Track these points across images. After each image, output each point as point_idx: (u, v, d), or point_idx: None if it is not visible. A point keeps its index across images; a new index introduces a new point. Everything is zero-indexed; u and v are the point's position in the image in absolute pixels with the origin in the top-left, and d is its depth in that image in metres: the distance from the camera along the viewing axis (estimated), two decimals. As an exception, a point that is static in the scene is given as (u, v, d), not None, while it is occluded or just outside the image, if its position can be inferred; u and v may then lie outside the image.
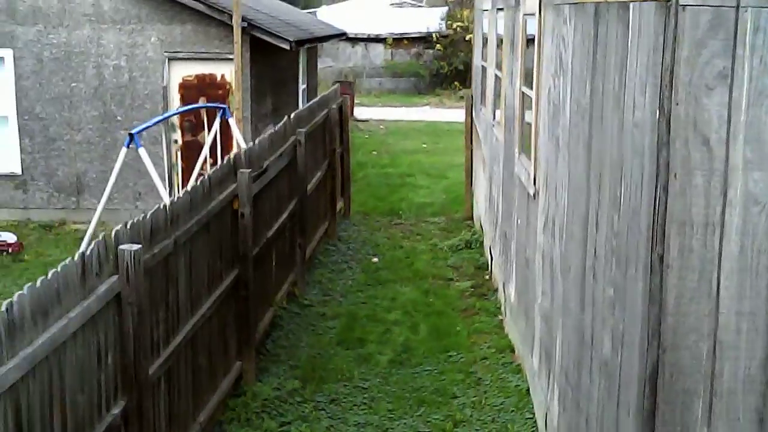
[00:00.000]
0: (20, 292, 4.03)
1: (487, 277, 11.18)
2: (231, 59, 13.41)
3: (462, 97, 32.04)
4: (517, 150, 8.26)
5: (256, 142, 8.49)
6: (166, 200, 10.02)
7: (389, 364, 8.49)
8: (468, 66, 33.94)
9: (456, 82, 33.44)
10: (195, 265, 6.53)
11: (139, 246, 5.03)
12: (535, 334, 7.05)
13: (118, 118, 13.95)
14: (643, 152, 3.65)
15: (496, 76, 10.69)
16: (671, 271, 3.48)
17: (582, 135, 5.08)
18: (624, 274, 4.02)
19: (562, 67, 5.84)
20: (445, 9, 35.86)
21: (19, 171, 14.17)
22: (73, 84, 13.88)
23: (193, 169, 12.42)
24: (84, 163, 14.07)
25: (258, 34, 13.53)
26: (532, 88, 7.26)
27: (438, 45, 33.93)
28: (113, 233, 5.06)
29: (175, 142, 14.01)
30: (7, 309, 3.87)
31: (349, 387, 7.95)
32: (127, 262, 4.92)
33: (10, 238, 12.50)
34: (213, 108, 11.87)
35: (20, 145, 14.08)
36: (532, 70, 7.47)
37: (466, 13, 34.14)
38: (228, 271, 7.44)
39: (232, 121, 11.76)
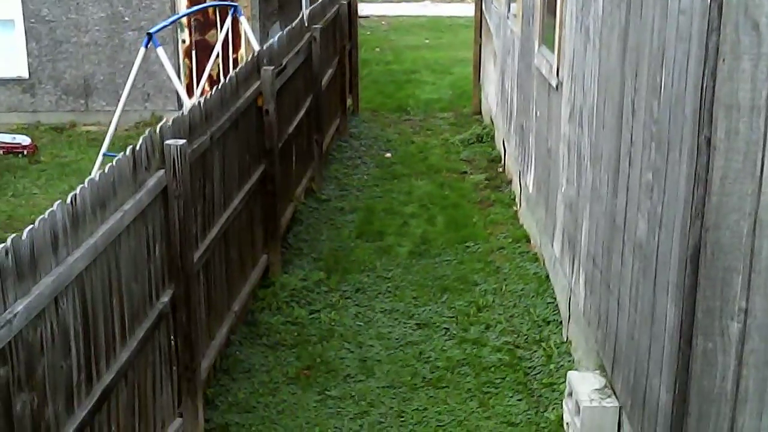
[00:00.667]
0: (81, 185, 4.16)
1: (501, 169, 11.33)
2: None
3: (462, -8, 31.70)
4: (537, 42, 8.30)
5: (276, 38, 8.51)
6: (186, 100, 10.14)
7: (409, 255, 8.70)
8: (467, -41, 33.42)
9: (455, -24, 32.92)
10: (227, 160, 6.66)
11: (184, 141, 5.15)
12: (557, 222, 7.23)
13: (126, 19, 13.85)
14: (689, 38, 3.75)
15: (509, -33, 10.61)
16: (717, 153, 3.62)
17: (618, 24, 5.14)
18: (665, 158, 4.16)
19: (592, -44, 5.86)
20: None
21: (26, 75, 14.13)
22: (79, -17, 13.74)
23: (202, 70, 12.42)
24: (92, 65, 14.03)
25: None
26: (555, -21, 7.26)
27: (437, -62, 33.26)
28: (158, 129, 5.16)
29: (183, 42, 13.94)
30: (71, 201, 4.01)
31: (372, 277, 8.18)
32: (173, 157, 5.04)
33: (24, 140, 12.56)
34: (224, 6, 11.79)
35: (27, 48, 14.01)
36: (554, -40, 7.45)
37: None
38: (255, 166, 7.58)
39: (243, 20, 11.70)
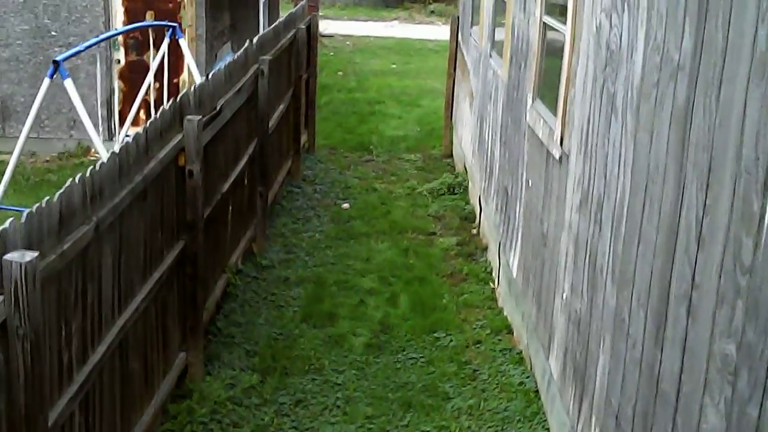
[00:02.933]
0: None
1: (475, 231, 9.76)
2: (183, -32, 11.62)
3: (433, 12, 30.30)
4: (530, 95, 6.74)
5: (210, 76, 6.85)
6: (98, 147, 8.43)
7: (366, 349, 7.07)
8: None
9: (426, -4, 31.54)
10: (126, 247, 4.99)
11: (34, 256, 3.47)
12: (555, 333, 5.65)
13: (52, 33, 12.11)
14: None
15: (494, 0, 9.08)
16: None
17: (671, 101, 3.57)
18: (764, 332, 2.59)
19: (627, 1, 4.31)
20: None
21: (-65, 90, 12.34)
22: (-2, -9, 11.98)
23: (136, 94, 10.72)
24: (11, 84, 12.26)
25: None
26: (564, 22, 5.71)
27: (408, -46, 31.82)
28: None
29: (118, 62, 12.23)
30: None
31: (318, 381, 6.54)
32: (16, 280, 3.37)
33: None
34: (161, 26, 10.11)
35: (-64, 60, 12.21)
36: (560, -2, 5.94)
37: None
38: (171, 244, 5.91)
39: (183, 42, 10.05)
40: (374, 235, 9.60)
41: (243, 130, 8.13)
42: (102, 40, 8.61)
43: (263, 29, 17.43)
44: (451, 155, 12.85)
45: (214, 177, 6.98)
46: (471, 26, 11.21)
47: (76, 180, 4.23)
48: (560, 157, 5.64)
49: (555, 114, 5.80)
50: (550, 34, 6.42)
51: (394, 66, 20.72)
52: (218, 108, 6.89)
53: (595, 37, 4.96)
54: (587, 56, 5.12)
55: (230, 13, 13.83)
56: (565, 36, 5.64)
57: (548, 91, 6.31)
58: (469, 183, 10.92)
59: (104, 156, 7.84)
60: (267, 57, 8.52)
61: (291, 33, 10.76)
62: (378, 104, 16.36)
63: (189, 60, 10.19)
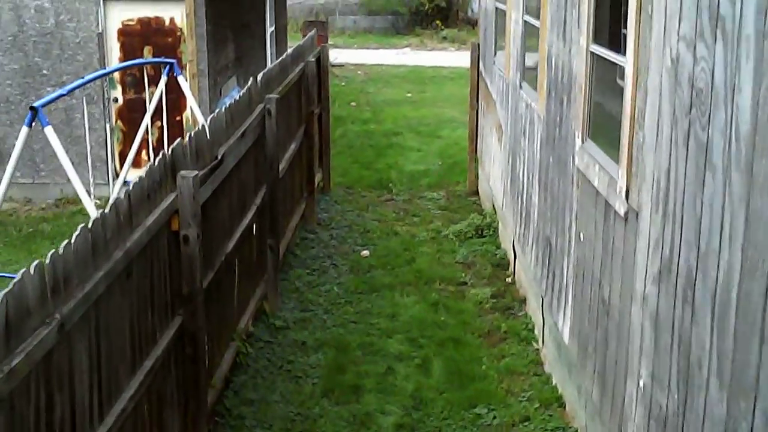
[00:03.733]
0: None
1: (510, 280, 8.82)
2: (181, 0, 10.79)
3: (445, 38, 29.48)
4: (578, 134, 5.82)
5: (209, 121, 5.96)
6: (85, 202, 7.53)
7: (397, 430, 6.12)
8: (450, 2, 31.27)
9: (438, 21, 30.71)
10: (106, 339, 4.08)
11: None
12: (628, 426, 4.69)
13: (44, 72, 11.30)
14: None
15: (526, 24, 8.17)
16: None
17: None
18: None
19: (722, 27, 3.39)
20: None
21: None
22: (-14, 29, 11.18)
23: (136, 134, 9.87)
24: (2, 126, 11.44)
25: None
26: (622, 52, 4.80)
27: (418, -21, 31.06)
28: None
29: (115, 100, 11.40)
30: None
31: (343, 477, 5.60)
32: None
33: None
34: (158, 64, 9.25)
35: None
36: (618, 20, 5.04)
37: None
38: (165, 323, 5.00)
39: (182, 80, 9.19)
40: (399, 286, 8.67)
41: (249, 178, 7.24)
42: (88, 82, 7.71)
43: (271, 62, 16.61)
44: (477, 192, 11.93)
45: (216, 237, 6.08)
46: (494, 54, 10.32)
47: (31, 270, 3.32)
48: (626, 214, 4.70)
49: (617, 161, 4.87)
50: (600, 65, 5.51)
51: (409, 95, 19.86)
52: (219, 157, 5.99)
53: (671, 72, 4.03)
54: (659, 94, 4.19)
55: (235, 45, 12.99)
56: (626, 69, 4.72)
57: (604, 131, 5.39)
58: (500, 224, 9.99)
59: (91, 211, 6.98)
60: (274, 95, 7.63)
61: (300, 66, 9.89)
62: (395, 136, 15.46)
63: (190, 99, 9.33)
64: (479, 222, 10.35)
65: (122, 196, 4.37)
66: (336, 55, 23.10)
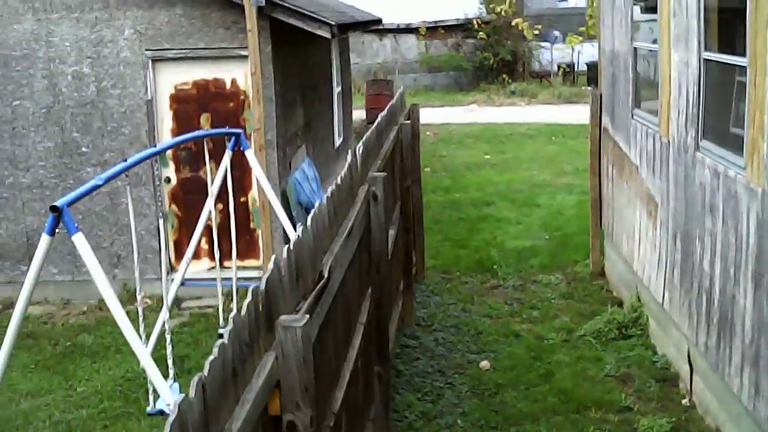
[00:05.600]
0: None
1: (686, 401, 6.68)
2: (245, 57, 8.98)
3: (513, 93, 27.58)
4: None
5: (309, 222, 3.97)
6: (114, 311, 5.53)
7: None
8: (515, 56, 29.46)
9: (504, 75, 28.86)
10: None
11: None
12: None
13: (83, 149, 9.50)
14: None
15: (707, 64, 6.14)
16: None
17: None
18: None
19: None
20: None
21: (-57, 229, 9.77)
22: (16, 102, 9.43)
23: (193, 219, 8.00)
24: (36, 216, 9.64)
25: (284, 17, 9.03)
26: None
27: (480, 33, 29.28)
28: None
29: (168, 180, 9.56)
30: None
31: None
32: None
33: None
34: (221, 135, 7.36)
35: (-58, 192, 9.67)
36: None
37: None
38: None
39: (249, 154, 7.31)
40: (542, 416, 6.57)
41: (354, 288, 5.24)
42: (131, 166, 5.75)
43: (339, 127, 14.79)
44: (603, 273, 9.82)
45: (321, 392, 4.06)
46: (635, 106, 8.27)
47: None
48: None
49: None
50: None
51: (487, 156, 17.87)
52: (327, 274, 4.00)
53: None
54: None
55: (303, 109, 11.14)
56: None
57: None
58: (651, 321, 7.87)
59: (126, 330, 4.96)
60: (380, 174, 5.66)
61: (394, 131, 7.96)
62: (486, 206, 13.43)
63: (260, 176, 7.46)
64: (620, 317, 8.24)
65: (197, 384, 2.39)
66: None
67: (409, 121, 8.41)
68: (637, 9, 8.28)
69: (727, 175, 5.66)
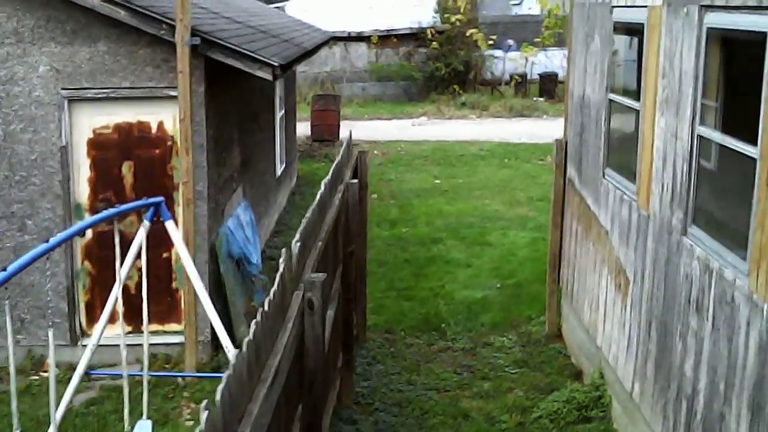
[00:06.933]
0: None
1: None
2: (174, 97, 8.10)
3: (464, 104, 26.90)
4: None
5: (219, 394, 3.16)
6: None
7: None
8: (468, 65, 28.82)
9: (455, 86, 28.18)
10: None
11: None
12: None
13: (-13, 198, 8.53)
14: None
15: (701, 141, 5.44)
16: None
17: None
18: None
19: None
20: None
21: None
22: None
23: (108, 278, 7.13)
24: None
25: (221, 57, 8.15)
26: None
27: (433, 42, 28.55)
28: None
29: (82, 235, 8.62)
30: None
31: None
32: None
33: None
34: (137, 208, 6.48)
35: None
36: None
37: (462, 3, 28.90)
38: None
39: (171, 226, 6.46)
40: None
41: (280, 423, 4.43)
42: (37, 257, 4.85)
43: (280, 153, 13.95)
44: (560, 335, 9.15)
45: None
46: (608, 164, 7.55)
47: None
48: None
49: None
50: None
51: (437, 182, 17.13)
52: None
53: None
54: None
55: (241, 146, 10.29)
56: None
57: None
58: (615, 403, 7.20)
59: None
60: (317, 276, 4.86)
61: (339, 194, 7.16)
62: (435, 244, 12.68)
63: (180, 248, 6.64)
64: (581, 397, 7.55)
65: None
66: (347, 129, 20.35)
67: (356, 180, 7.59)
68: (619, 51, 7.57)
69: (723, 275, 4.95)
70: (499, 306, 10.18)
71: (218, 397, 3.18)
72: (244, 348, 3.60)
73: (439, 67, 28.29)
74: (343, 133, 21.02)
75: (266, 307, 4.06)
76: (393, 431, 7.29)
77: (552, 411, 7.46)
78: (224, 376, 3.31)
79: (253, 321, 3.87)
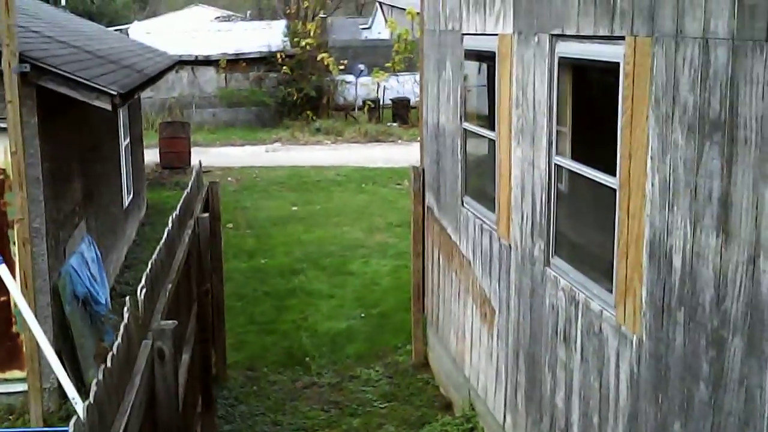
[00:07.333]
0: None
1: None
2: (4, 129, 7.42)
3: (318, 130, 26.62)
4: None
5: None
6: None
7: None
8: (320, 91, 28.60)
9: (308, 111, 27.88)
10: None
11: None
12: None
13: None
14: None
15: (560, 172, 5.27)
16: None
17: None
18: None
19: None
20: (284, 23, 30.22)
21: None
22: None
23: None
24: None
25: (53, 86, 7.52)
26: None
27: (284, 67, 28.16)
28: None
29: None
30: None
31: None
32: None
33: None
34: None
35: None
36: None
37: (312, 27, 28.71)
38: None
39: (4, 271, 5.82)
40: None
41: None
42: None
43: (127, 183, 13.25)
44: (427, 364, 8.89)
45: None
46: (466, 191, 7.36)
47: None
48: None
49: None
50: None
51: (295, 208, 16.72)
52: None
53: None
54: None
55: (83, 177, 9.61)
56: None
57: None
58: (482, 425, 6.97)
59: None
60: (167, 325, 4.38)
61: (188, 230, 6.66)
62: (295, 276, 12.24)
63: (14, 293, 6.00)
64: (453, 430, 7.30)
65: None
66: (199, 155, 19.68)
67: (207, 214, 7.11)
68: (472, 79, 7.38)
69: (590, 307, 4.77)
70: (364, 336, 9.85)
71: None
72: (83, 414, 3.11)
73: (290, 92, 27.93)
74: (195, 161, 20.34)
75: (109, 363, 3.57)
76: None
77: (424, 444, 7.18)
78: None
79: (93, 381, 3.38)
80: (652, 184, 3.95)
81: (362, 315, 10.54)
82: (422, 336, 8.99)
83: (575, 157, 5.10)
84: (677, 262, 3.75)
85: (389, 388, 8.49)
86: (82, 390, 7.24)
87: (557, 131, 5.25)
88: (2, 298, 7.85)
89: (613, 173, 4.40)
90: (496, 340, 6.57)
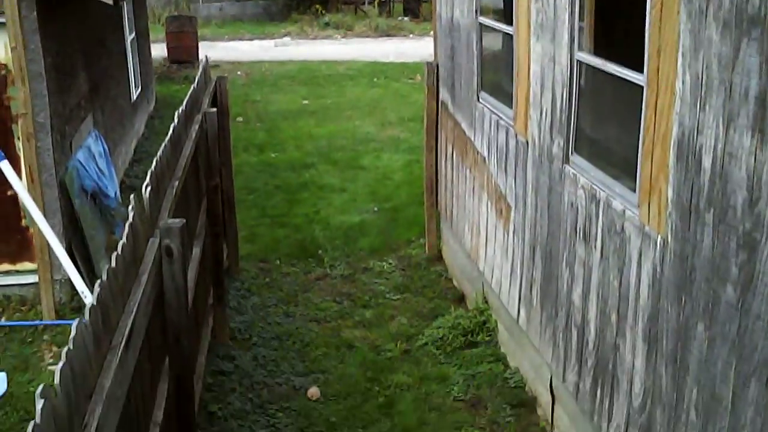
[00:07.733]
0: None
1: (547, 429, 5.83)
2: (3, 23, 7.23)
3: (328, 24, 26.11)
4: None
5: (58, 375, 2.63)
6: None
7: None
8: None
9: (317, 5, 27.30)
10: None
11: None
12: None
13: None
14: None
15: (582, 68, 5.07)
16: None
17: None
18: None
19: None
20: None
21: None
22: None
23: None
24: None
25: (50, -27, 7.29)
26: None
27: (294, -43, 27.51)
28: None
29: None
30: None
31: None
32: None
33: None
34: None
35: None
36: None
37: None
38: None
39: (6, 167, 5.74)
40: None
41: (145, 379, 3.92)
42: None
43: (134, 77, 13.05)
44: (440, 257, 8.84)
45: None
46: (482, 87, 7.14)
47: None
48: None
49: None
50: None
51: (305, 102, 16.51)
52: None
53: None
54: None
55: (87, 72, 9.43)
56: None
57: None
58: (501, 327, 6.96)
59: None
60: (175, 223, 4.29)
61: (196, 126, 6.51)
62: (306, 169, 12.14)
63: (17, 188, 5.92)
64: (466, 323, 7.27)
65: None
66: (207, 49, 19.37)
67: (214, 109, 6.94)
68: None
69: (611, 205, 4.64)
70: (377, 230, 9.79)
71: (56, 380, 2.64)
72: (87, 316, 3.04)
73: (299, -15, 27.36)
74: (202, 55, 20.03)
75: (114, 263, 3.50)
76: (274, 365, 6.86)
77: (437, 338, 7.18)
78: (63, 353, 2.76)
79: (98, 282, 3.31)
80: (683, 82, 3.77)
81: (375, 209, 10.47)
82: (435, 230, 8.93)
83: (598, 53, 4.90)
84: (707, 162, 3.61)
85: (402, 280, 8.47)
86: (94, 281, 7.23)
87: (579, 27, 5.03)
88: (10, 192, 7.78)
89: (640, 70, 4.21)
90: (512, 235, 6.48)
